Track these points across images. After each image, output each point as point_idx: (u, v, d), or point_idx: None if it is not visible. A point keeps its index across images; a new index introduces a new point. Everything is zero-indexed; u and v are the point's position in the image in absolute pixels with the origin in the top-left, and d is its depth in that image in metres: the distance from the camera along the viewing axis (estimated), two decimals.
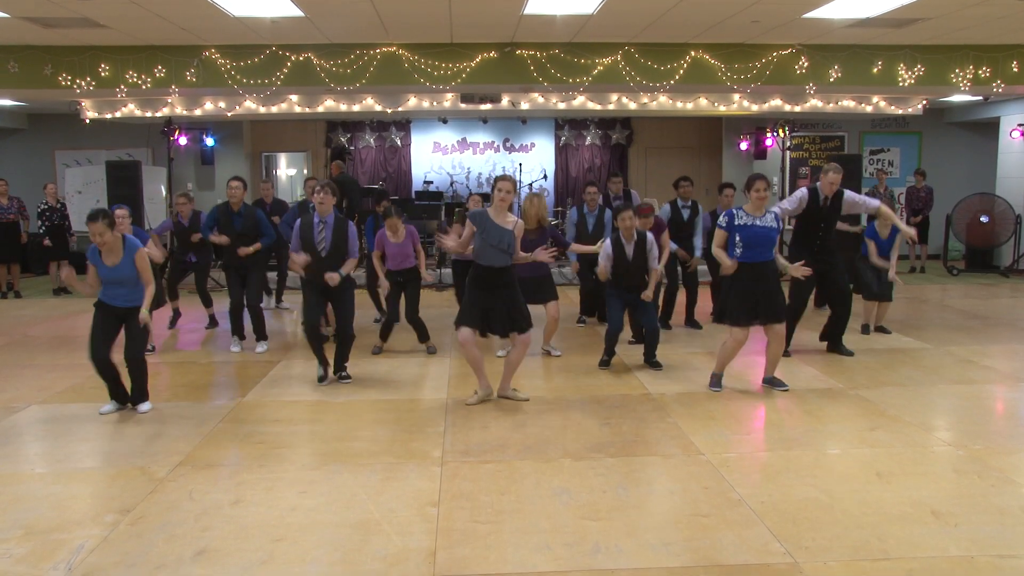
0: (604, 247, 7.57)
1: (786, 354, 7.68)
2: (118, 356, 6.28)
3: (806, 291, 7.97)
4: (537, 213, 8.01)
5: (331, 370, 7.24)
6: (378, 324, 9.04)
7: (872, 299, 9.07)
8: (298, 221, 7.20)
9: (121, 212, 7.85)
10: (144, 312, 6.15)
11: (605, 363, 7.70)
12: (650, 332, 7.70)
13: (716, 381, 6.88)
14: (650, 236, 7.59)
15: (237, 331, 8.77)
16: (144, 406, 6.36)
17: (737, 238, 6.53)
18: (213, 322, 9.94)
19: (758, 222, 6.52)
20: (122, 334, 6.29)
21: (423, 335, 8.51)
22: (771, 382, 6.86)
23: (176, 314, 10.04)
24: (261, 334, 8.70)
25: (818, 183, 7.66)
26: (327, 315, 8.18)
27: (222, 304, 9.57)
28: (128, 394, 6.38)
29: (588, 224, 9.40)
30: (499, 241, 6.23)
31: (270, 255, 9.65)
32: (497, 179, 6.45)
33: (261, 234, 8.61)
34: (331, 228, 7.01)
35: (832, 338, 8.20)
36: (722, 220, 6.67)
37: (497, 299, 6.32)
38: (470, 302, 6.38)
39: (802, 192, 7.70)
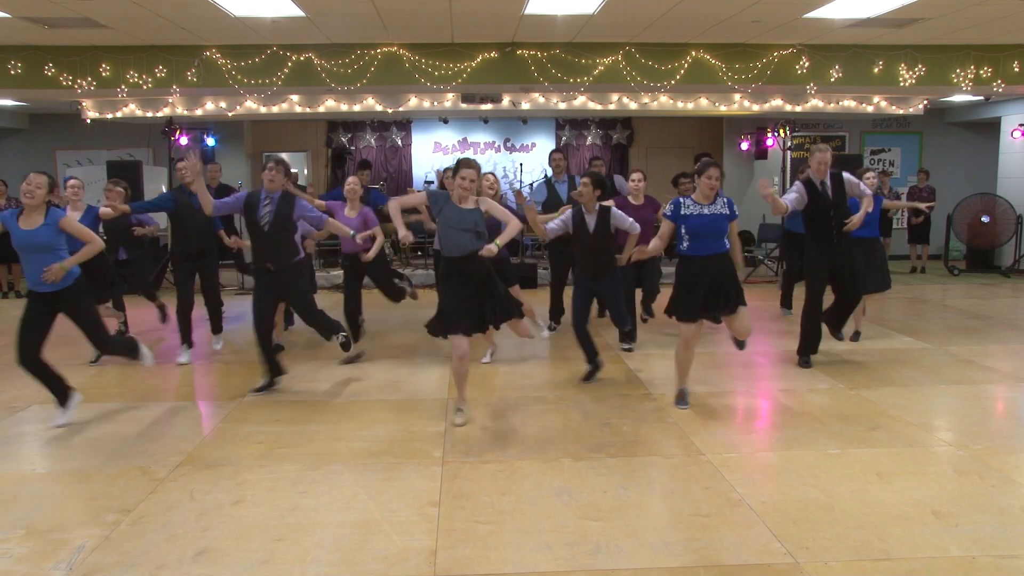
0: (564, 216, 6.98)
1: (806, 364, 7.55)
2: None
3: (820, 284, 7.48)
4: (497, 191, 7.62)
5: (275, 380, 6.88)
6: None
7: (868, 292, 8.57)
8: (243, 193, 6.84)
9: (74, 182, 7.58)
10: (65, 264, 5.64)
11: (592, 374, 7.10)
12: (617, 319, 7.33)
13: (682, 398, 6.35)
14: (615, 209, 6.97)
15: (186, 339, 8.04)
16: (72, 401, 6.00)
17: (683, 229, 6.11)
18: (163, 315, 9.14)
19: (706, 210, 6.06)
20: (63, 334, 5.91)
21: (395, 296, 8.19)
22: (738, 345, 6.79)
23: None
24: (217, 327, 8.37)
25: (810, 171, 7.37)
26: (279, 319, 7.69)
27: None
28: (69, 388, 6.01)
29: (560, 194, 9.13)
30: (459, 222, 5.70)
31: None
32: (459, 164, 5.82)
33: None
34: (275, 203, 6.57)
35: (831, 319, 7.65)
36: (667, 209, 6.19)
37: (478, 291, 5.80)
38: (450, 304, 5.80)
39: (797, 186, 7.38)
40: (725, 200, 6.16)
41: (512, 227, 5.87)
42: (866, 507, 4.43)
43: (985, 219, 14.75)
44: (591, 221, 6.86)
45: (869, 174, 8.43)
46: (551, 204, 9.02)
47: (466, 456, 5.30)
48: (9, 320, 10.57)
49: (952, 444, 5.49)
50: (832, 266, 7.35)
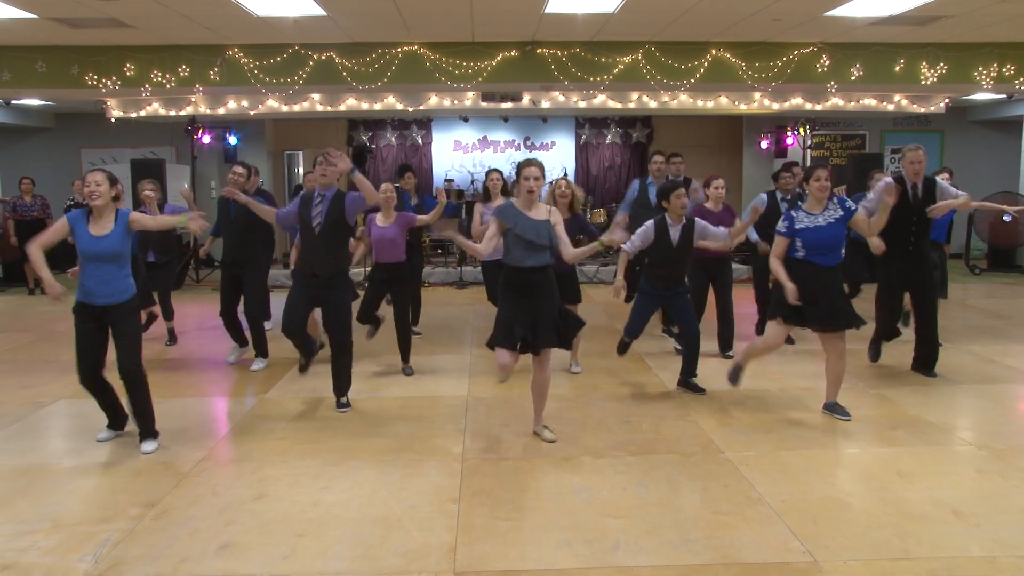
0: (644, 229, 6.56)
1: (874, 355, 7.33)
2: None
3: (892, 298, 7.07)
4: (573, 195, 7.05)
5: (310, 361, 6.46)
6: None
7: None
8: (299, 195, 6.36)
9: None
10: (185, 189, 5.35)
11: (626, 347, 6.85)
12: (689, 339, 6.73)
13: (736, 375, 6.26)
14: (699, 220, 6.70)
15: (236, 338, 7.92)
16: (148, 445, 5.38)
17: (799, 242, 5.79)
18: (172, 338, 8.91)
19: (820, 220, 5.75)
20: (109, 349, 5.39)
21: (404, 350, 7.49)
22: (832, 409, 6.03)
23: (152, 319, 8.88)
24: (260, 349, 7.77)
25: (901, 171, 6.85)
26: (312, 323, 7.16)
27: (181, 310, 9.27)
28: (127, 416, 5.59)
29: (650, 195, 8.43)
30: (537, 236, 5.24)
31: (271, 255, 8.41)
32: (522, 165, 5.39)
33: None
34: (328, 201, 6.00)
35: (921, 361, 7.22)
36: (780, 226, 5.86)
37: (538, 305, 5.30)
38: (506, 316, 5.34)
39: (888, 181, 6.67)
40: (838, 200, 5.86)
41: (585, 252, 5.49)
42: (886, 506, 4.41)
43: (1007, 218, 14.59)
44: (675, 234, 6.56)
45: (944, 175, 7.87)
46: (641, 203, 8.62)
47: (486, 453, 5.31)
48: (35, 316, 10.73)
49: (973, 444, 5.45)
50: (908, 280, 6.95)
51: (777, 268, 5.86)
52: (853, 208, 5.84)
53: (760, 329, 8.32)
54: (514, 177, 5.56)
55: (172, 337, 8.94)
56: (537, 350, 5.38)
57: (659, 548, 3.95)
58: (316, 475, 4.94)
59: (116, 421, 5.59)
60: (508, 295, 5.36)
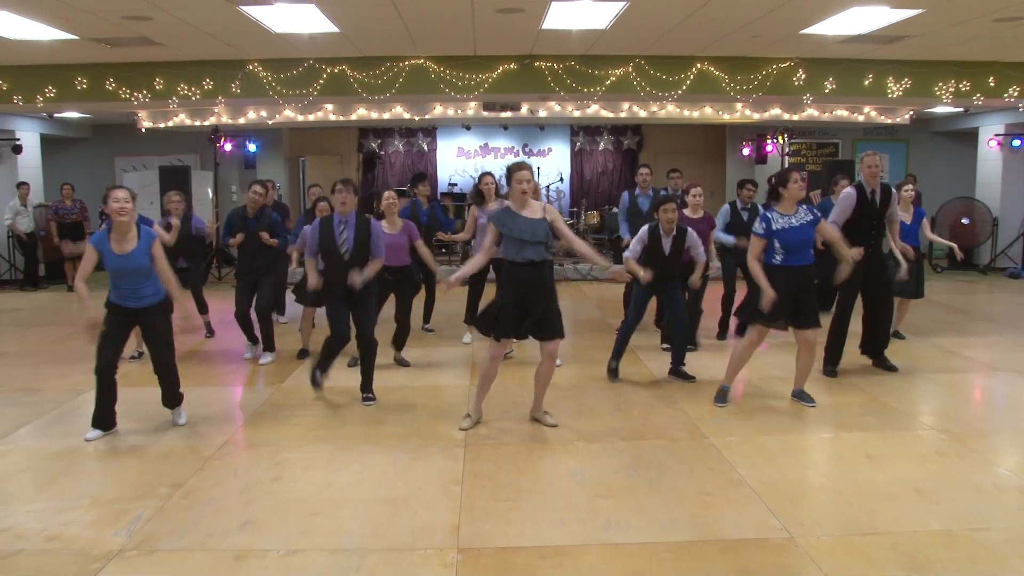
0: (640, 234, 6.55)
1: (831, 373, 6.82)
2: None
3: (851, 295, 6.77)
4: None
5: (326, 378, 6.28)
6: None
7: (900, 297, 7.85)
8: (316, 220, 6.24)
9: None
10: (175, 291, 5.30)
11: (613, 371, 6.79)
12: (677, 327, 6.73)
13: (723, 395, 6.02)
14: (691, 231, 6.67)
15: (250, 337, 7.70)
16: (180, 417, 5.61)
17: (776, 244, 5.66)
18: (210, 330, 8.86)
19: (794, 221, 5.65)
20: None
21: (400, 341, 7.39)
22: (800, 396, 6.02)
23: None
24: (268, 344, 7.65)
25: (860, 178, 6.72)
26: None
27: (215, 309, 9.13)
28: (115, 421, 5.46)
29: (641, 207, 8.38)
30: (532, 235, 5.13)
31: (288, 262, 8.20)
32: (512, 168, 5.27)
33: (275, 236, 7.54)
34: (353, 228, 5.96)
35: (874, 351, 7.07)
36: (758, 227, 5.71)
37: (533, 300, 5.20)
38: (504, 306, 5.23)
39: (848, 192, 6.64)
40: (807, 207, 5.79)
41: (591, 255, 5.51)
42: (856, 486, 4.41)
43: (965, 221, 14.64)
44: (667, 244, 6.55)
45: (908, 186, 7.90)
46: (633, 212, 8.52)
47: (487, 438, 5.30)
48: (75, 311, 10.71)
49: (935, 428, 5.45)
50: (865, 278, 6.68)
51: (756, 270, 5.68)
52: (819, 217, 5.84)
53: (722, 329, 8.36)
54: (506, 180, 5.46)
55: (210, 330, 8.88)
56: (551, 337, 5.30)
57: (647, 526, 3.95)
58: (329, 459, 4.93)
59: (106, 420, 5.40)
60: (509, 290, 5.23)
